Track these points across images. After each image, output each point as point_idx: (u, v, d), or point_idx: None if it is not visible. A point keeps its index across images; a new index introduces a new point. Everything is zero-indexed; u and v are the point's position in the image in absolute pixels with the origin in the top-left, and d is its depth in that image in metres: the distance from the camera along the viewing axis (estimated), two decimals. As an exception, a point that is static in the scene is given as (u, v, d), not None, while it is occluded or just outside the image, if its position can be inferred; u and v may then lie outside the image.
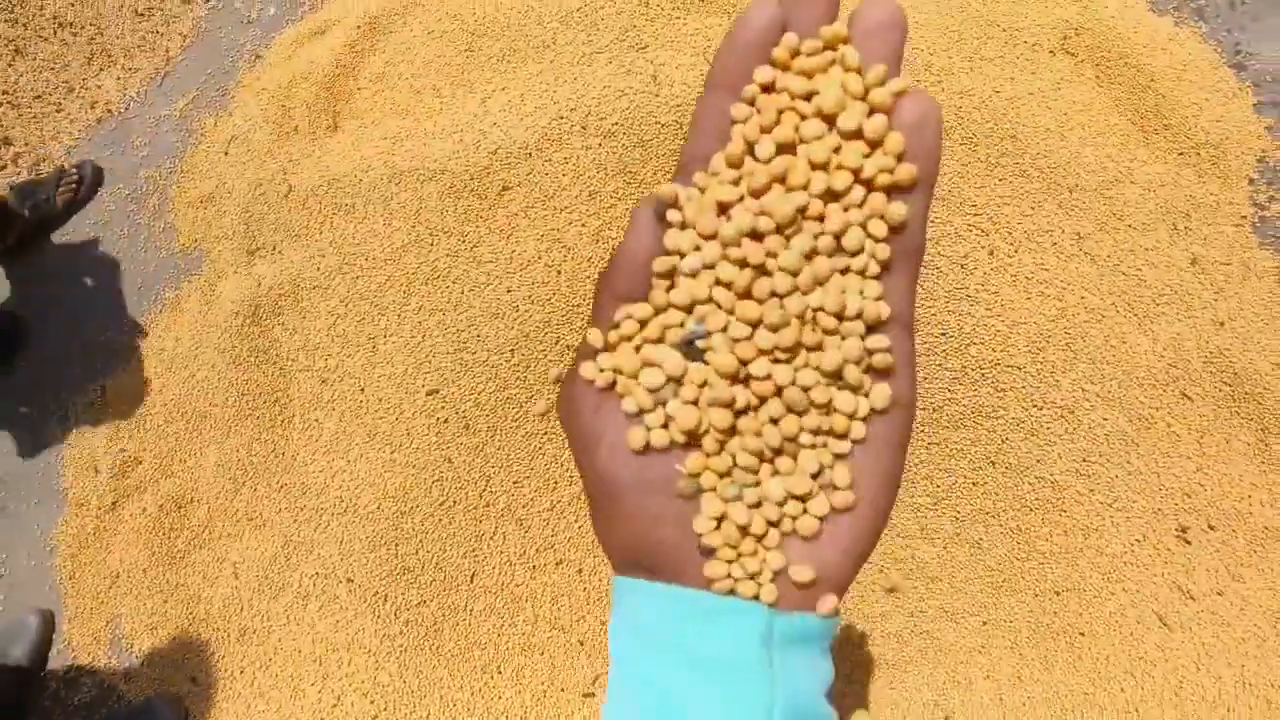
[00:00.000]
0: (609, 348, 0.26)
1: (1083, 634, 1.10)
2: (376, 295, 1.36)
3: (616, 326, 0.26)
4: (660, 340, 0.25)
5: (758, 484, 0.25)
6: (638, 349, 0.26)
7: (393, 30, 1.69)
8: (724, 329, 0.25)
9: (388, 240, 1.38)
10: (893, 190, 0.24)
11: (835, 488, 0.25)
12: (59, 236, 1.67)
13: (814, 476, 0.25)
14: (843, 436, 0.25)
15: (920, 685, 1.10)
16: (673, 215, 0.25)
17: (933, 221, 1.21)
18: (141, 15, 1.90)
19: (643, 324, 0.26)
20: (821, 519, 0.25)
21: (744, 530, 0.25)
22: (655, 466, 0.25)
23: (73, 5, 1.87)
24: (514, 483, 1.19)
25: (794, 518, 0.25)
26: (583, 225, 1.21)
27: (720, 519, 0.25)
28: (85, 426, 1.47)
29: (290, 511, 1.29)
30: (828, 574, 0.25)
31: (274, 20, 1.84)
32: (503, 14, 1.54)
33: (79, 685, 1.29)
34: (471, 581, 1.18)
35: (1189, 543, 1.14)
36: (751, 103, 0.25)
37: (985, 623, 1.11)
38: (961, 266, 1.18)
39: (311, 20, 1.80)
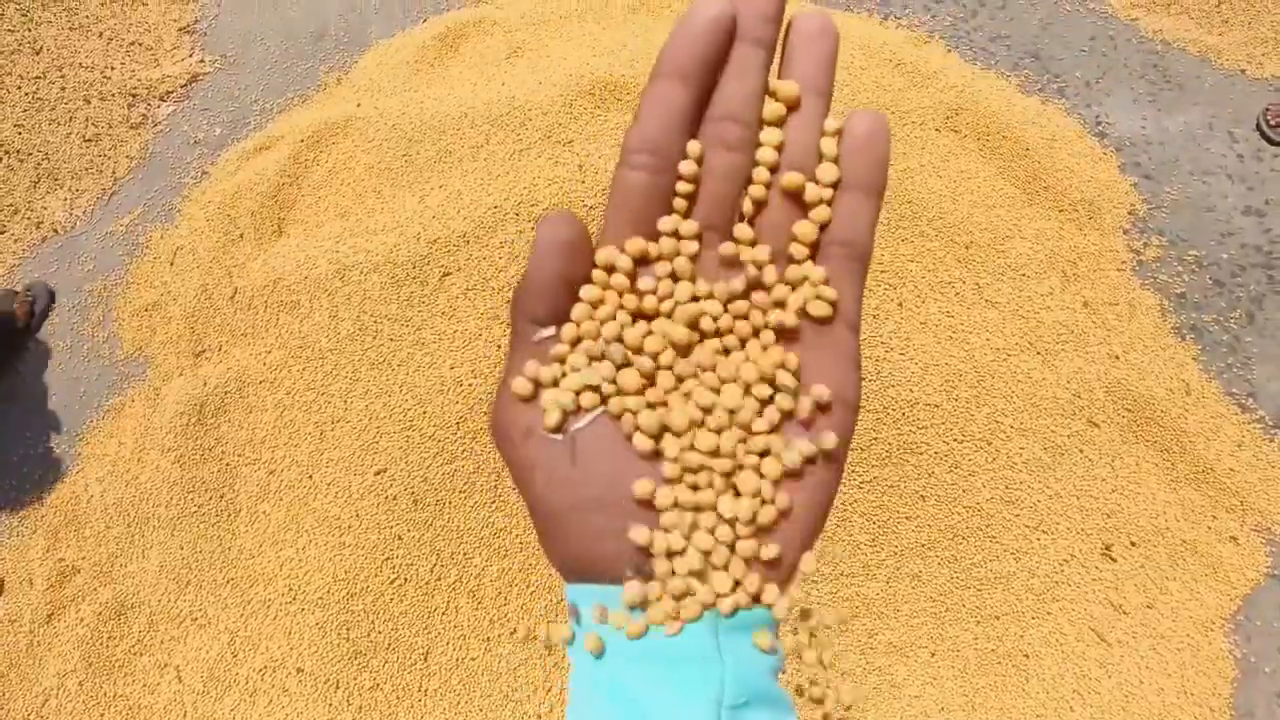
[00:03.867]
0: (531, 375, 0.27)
1: (1026, 656, 1.13)
2: (323, 385, 1.39)
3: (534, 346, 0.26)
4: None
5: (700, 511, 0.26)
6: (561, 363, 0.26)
7: (335, 141, 1.80)
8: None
9: (333, 331, 1.42)
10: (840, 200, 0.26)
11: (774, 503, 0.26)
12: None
13: (756, 496, 0.26)
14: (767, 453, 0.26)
15: (878, 724, 1.11)
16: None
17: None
18: (90, 141, 1.98)
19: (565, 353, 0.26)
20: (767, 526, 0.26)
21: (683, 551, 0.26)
22: (591, 486, 0.26)
23: (20, 133, 1.94)
24: (464, 555, 1.19)
25: (736, 539, 0.26)
26: (521, 301, 1.28)
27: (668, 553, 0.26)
28: (21, 539, 1.43)
29: (237, 606, 1.26)
30: (774, 568, 0.26)
31: (220, 139, 1.93)
32: (438, 120, 1.67)
33: (3, 818, 1.20)
34: (425, 660, 1.16)
35: (1114, 560, 1.20)
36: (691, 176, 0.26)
37: (933, 654, 1.14)
38: (874, 317, 1.28)
39: (257, 137, 1.91)
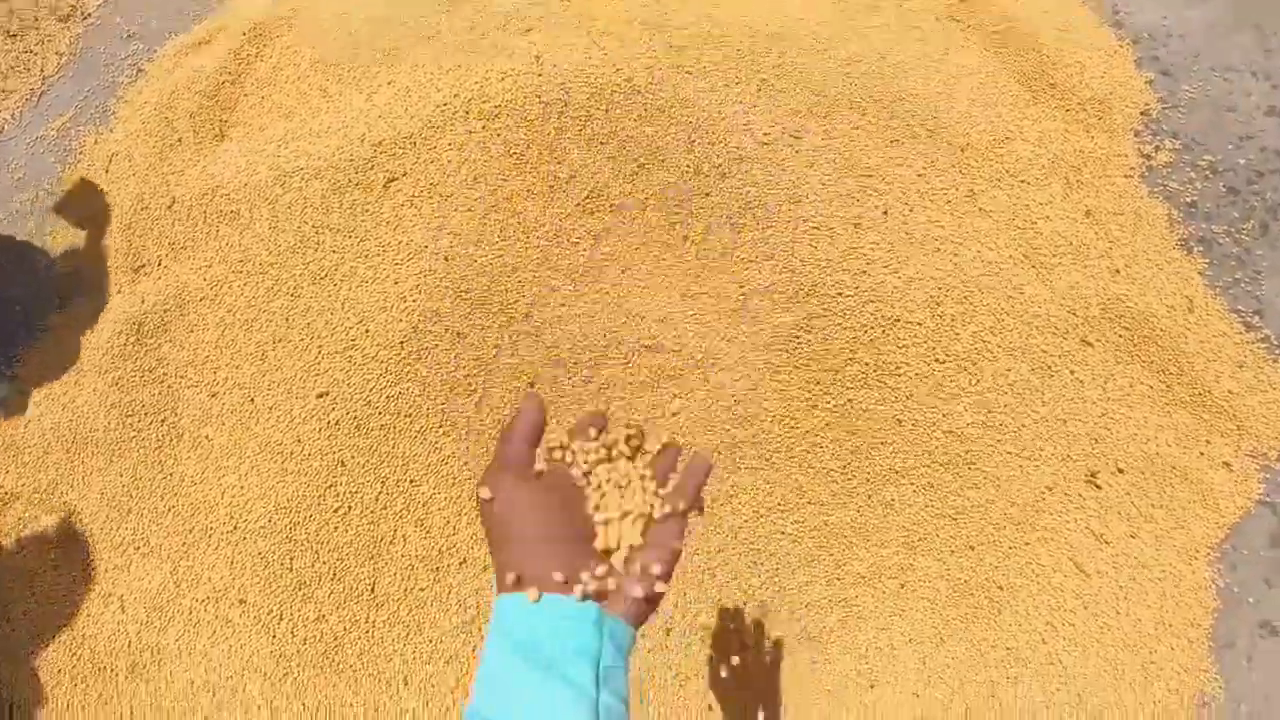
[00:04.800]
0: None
1: (1001, 587, 1.08)
2: (265, 301, 1.29)
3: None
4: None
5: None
6: None
7: (278, 35, 1.63)
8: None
9: (274, 244, 1.31)
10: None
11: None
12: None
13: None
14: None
15: (843, 654, 1.07)
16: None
17: (824, 184, 1.20)
18: (14, 36, 1.81)
19: None
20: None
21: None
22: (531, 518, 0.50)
23: (-63, 29, 1.78)
24: (410, 482, 1.13)
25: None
26: (469, 210, 1.17)
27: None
28: (-44, 465, 1.37)
29: (179, 535, 1.20)
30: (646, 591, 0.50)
31: (156, 33, 1.77)
32: (388, 10, 1.51)
33: (-48, 744, 1.18)
34: (373, 591, 1.11)
35: (1099, 487, 1.14)
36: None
37: (903, 585, 1.09)
38: (855, 227, 1.17)
39: (196, 31, 1.74)
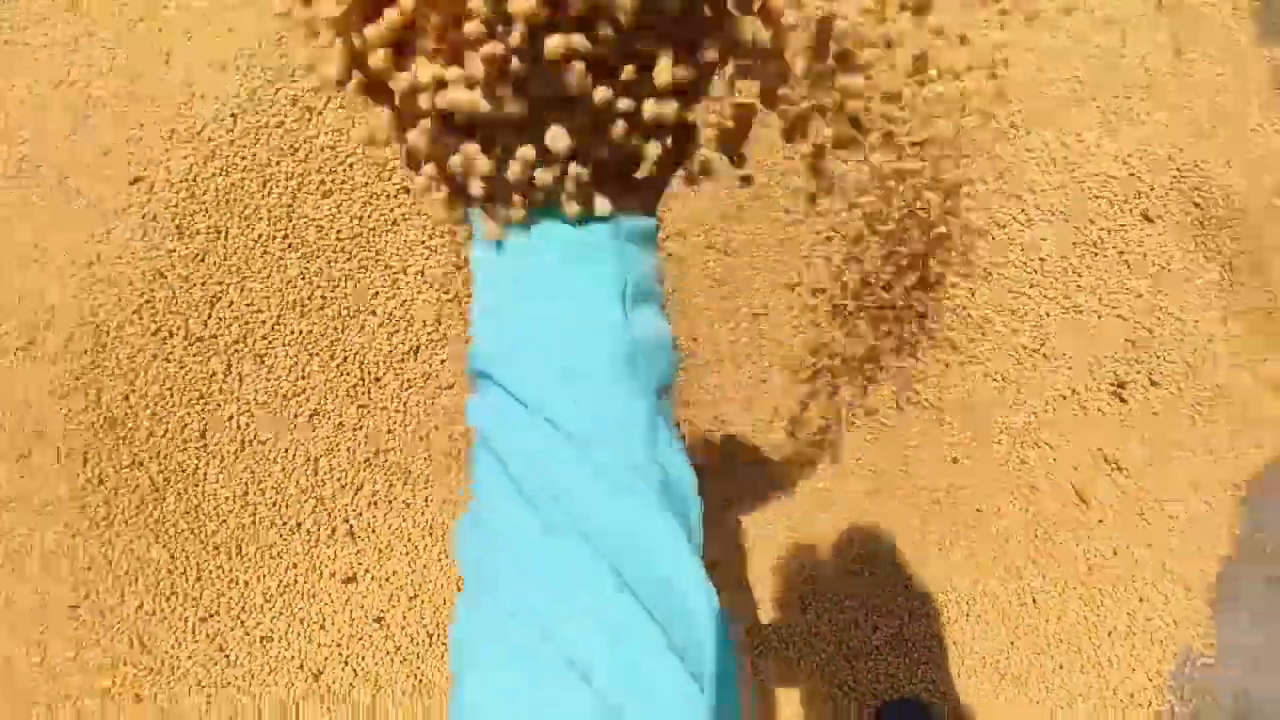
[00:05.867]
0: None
1: (980, 510, 0.88)
2: (75, 41, 0.96)
3: None
4: None
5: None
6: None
7: None
8: None
9: None
10: None
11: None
12: None
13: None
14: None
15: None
16: None
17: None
18: None
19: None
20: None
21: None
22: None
23: None
24: (251, 307, 0.86)
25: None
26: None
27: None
28: None
29: (-34, 344, 0.95)
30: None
31: None
32: None
33: None
34: (203, 437, 0.88)
35: (1125, 401, 0.91)
36: None
37: (869, 493, 0.88)
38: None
39: None
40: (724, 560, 0.91)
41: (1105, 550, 0.89)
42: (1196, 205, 0.96)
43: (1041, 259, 0.90)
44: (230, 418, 0.88)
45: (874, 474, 0.90)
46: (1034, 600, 0.88)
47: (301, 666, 0.86)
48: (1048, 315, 0.89)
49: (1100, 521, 0.90)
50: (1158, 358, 0.92)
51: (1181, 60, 1.02)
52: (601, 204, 0.27)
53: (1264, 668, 0.94)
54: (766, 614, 0.91)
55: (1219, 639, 0.92)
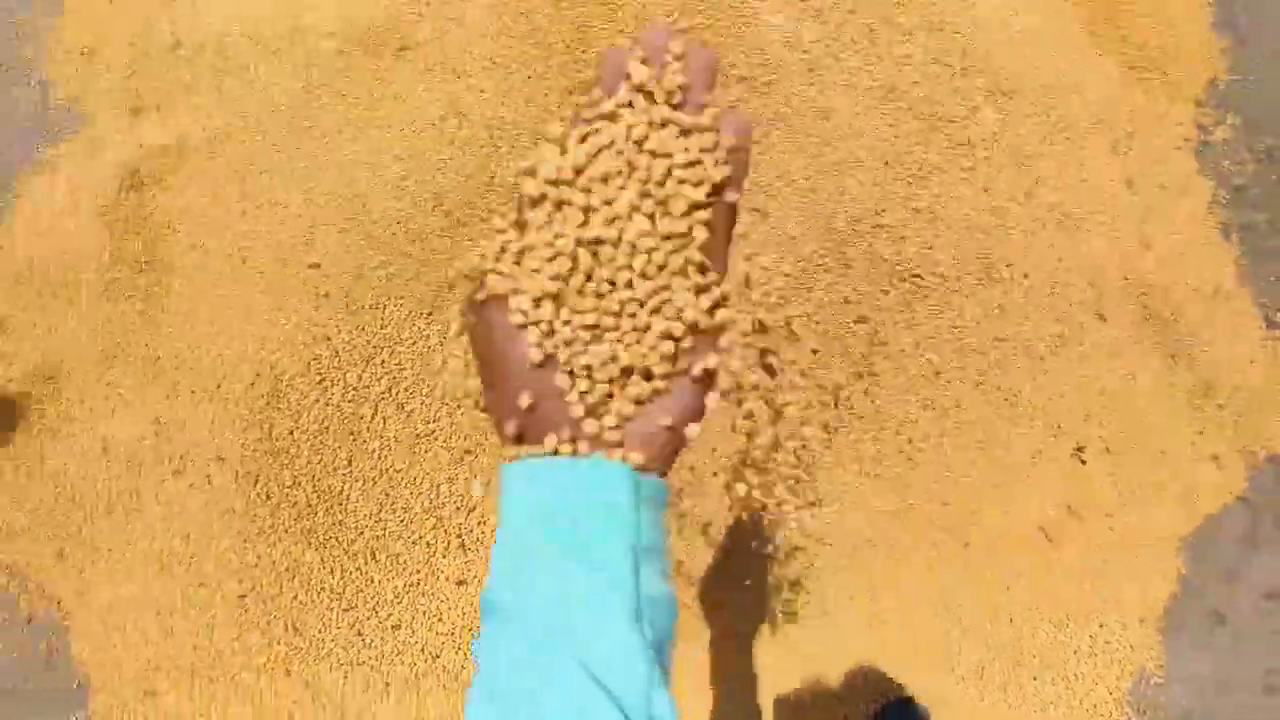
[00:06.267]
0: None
1: (966, 545, 1.09)
2: (264, 160, 1.25)
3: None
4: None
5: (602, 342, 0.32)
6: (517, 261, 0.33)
7: None
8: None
9: (278, 100, 1.26)
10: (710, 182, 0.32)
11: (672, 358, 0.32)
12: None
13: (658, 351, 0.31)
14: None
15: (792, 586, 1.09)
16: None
17: (857, 103, 1.14)
18: None
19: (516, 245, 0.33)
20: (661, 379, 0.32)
21: (593, 383, 0.31)
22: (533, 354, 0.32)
23: None
24: (396, 365, 1.12)
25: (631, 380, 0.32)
26: (482, 91, 1.11)
27: (572, 373, 0.32)
28: (-53, 288, 1.36)
29: (162, 388, 1.21)
30: (669, 437, 0.32)
31: None
32: None
33: (-66, 557, 1.22)
34: (349, 465, 1.12)
35: (1084, 463, 1.13)
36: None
37: (869, 523, 1.10)
38: (884, 149, 1.11)
39: None
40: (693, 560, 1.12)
41: (1070, 580, 1.10)
42: (1143, 304, 1.20)
43: (1017, 347, 1.13)
44: (373, 451, 1.12)
45: (873, 488, 1.13)
46: (1011, 620, 1.09)
47: (423, 650, 1.07)
48: (1019, 390, 1.12)
49: (1062, 560, 1.10)
50: (1111, 429, 1.15)
51: (1132, 188, 1.28)
52: (635, 457, 0.31)
53: (1207, 693, 1.12)
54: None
55: (1168, 664, 1.11)
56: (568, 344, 0.31)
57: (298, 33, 1.26)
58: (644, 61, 0.32)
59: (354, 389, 1.12)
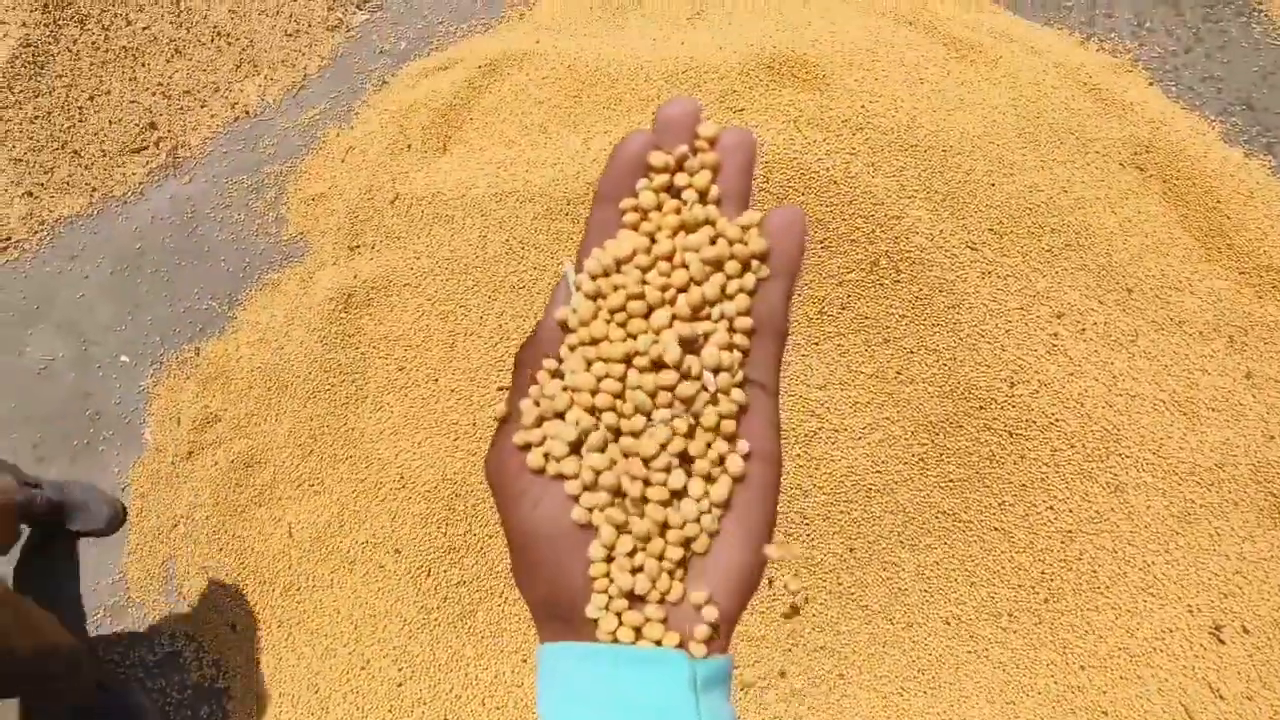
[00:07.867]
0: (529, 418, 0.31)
1: (1105, 713, 1.10)
2: (463, 297, 1.47)
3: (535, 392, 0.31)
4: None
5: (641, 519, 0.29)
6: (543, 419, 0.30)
7: (510, 73, 1.86)
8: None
9: (481, 250, 1.50)
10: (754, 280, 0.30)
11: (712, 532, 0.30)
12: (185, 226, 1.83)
13: (695, 521, 0.29)
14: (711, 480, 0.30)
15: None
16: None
17: (993, 297, 1.28)
18: (290, 35, 2.12)
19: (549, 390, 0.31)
20: (701, 552, 0.29)
21: (635, 570, 0.29)
22: (567, 520, 0.29)
23: (232, 18, 2.10)
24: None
25: (675, 554, 0.29)
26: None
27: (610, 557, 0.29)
28: (175, 381, 1.59)
29: (350, 483, 1.36)
30: (728, 616, 0.29)
31: (405, 53, 2.03)
32: (613, 67, 1.70)
33: (124, 614, 1.36)
34: (511, 571, 1.23)
35: (1223, 642, 1.14)
36: (636, 210, 0.31)
37: (1010, 703, 1.12)
38: (1017, 342, 1.24)
39: (438, 57, 2.00)
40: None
41: (1216, 769, 1.08)
42: (1273, 494, 1.25)
43: (1148, 522, 1.19)
44: (535, 558, 1.23)
45: (1016, 664, 1.15)
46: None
47: None
48: (1152, 564, 1.16)
49: (1209, 743, 1.09)
50: (1249, 609, 1.16)
51: (1251, 382, 1.36)
52: (698, 649, 0.28)
53: None
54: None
55: None
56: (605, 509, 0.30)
57: (503, 197, 1.52)
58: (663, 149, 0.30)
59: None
